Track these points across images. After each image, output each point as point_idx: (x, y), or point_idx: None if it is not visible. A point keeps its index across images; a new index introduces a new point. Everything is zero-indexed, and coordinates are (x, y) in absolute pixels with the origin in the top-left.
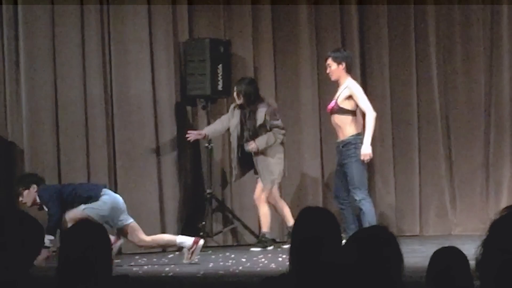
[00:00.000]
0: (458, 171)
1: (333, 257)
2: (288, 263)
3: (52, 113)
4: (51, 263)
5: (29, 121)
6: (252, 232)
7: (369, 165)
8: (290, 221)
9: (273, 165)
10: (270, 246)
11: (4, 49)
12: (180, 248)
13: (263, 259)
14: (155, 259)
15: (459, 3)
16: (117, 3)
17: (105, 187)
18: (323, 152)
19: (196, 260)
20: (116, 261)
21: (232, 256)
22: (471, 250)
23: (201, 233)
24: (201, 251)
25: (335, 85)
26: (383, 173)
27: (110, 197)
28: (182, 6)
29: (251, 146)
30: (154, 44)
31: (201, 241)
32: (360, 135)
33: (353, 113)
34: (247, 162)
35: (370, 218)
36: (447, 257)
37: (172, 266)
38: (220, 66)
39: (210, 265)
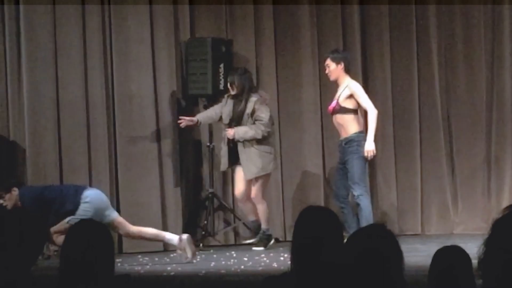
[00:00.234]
0: (460, 170)
1: (333, 257)
2: (289, 262)
3: (54, 112)
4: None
5: (30, 120)
6: (255, 233)
7: (371, 164)
8: (254, 219)
9: (257, 157)
10: (271, 241)
11: (6, 49)
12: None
13: (265, 258)
14: (156, 259)
15: (460, 3)
16: (119, 3)
17: (85, 188)
18: (325, 151)
19: (198, 259)
20: (117, 260)
21: (234, 255)
22: (473, 249)
23: (203, 232)
24: (202, 250)
25: (335, 85)
26: (384, 172)
27: (90, 204)
28: (183, 5)
29: (228, 132)
30: (155, 43)
31: (184, 236)
32: (362, 133)
33: (355, 111)
34: (236, 153)
35: (367, 213)
36: (450, 256)
37: (174, 265)
38: (221, 66)
39: (212, 264)
